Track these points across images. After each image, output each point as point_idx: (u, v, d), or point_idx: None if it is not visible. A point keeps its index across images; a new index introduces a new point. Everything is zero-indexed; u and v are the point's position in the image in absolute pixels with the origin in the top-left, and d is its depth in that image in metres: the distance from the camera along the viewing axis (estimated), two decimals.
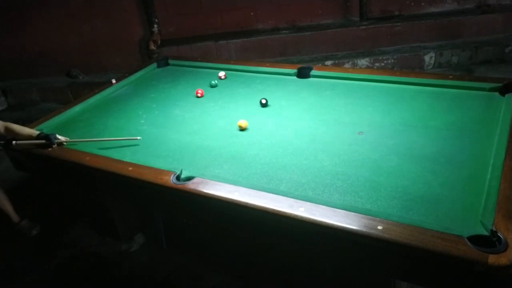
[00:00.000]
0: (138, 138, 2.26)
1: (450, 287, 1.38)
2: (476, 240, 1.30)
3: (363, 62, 4.62)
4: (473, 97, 2.28)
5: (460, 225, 1.40)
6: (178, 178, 1.84)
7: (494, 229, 1.33)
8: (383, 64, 4.59)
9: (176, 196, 1.83)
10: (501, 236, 1.29)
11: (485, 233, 1.34)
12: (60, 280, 2.59)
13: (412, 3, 4.73)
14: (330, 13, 4.84)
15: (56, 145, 2.26)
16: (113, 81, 2.95)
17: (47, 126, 2.56)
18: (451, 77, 2.48)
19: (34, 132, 2.36)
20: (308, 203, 1.57)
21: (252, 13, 4.90)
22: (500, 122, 1.96)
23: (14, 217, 3.06)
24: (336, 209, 1.53)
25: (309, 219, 1.50)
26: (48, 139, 2.25)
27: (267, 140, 2.14)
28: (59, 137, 2.30)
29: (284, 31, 4.88)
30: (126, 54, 5.02)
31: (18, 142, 2.32)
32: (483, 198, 1.51)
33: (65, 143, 2.30)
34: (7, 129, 2.40)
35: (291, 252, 2.34)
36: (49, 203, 3.32)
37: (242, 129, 2.26)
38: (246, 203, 1.63)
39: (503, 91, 2.25)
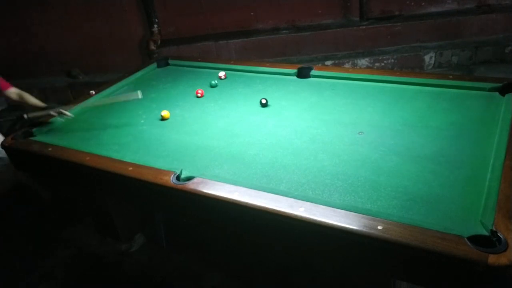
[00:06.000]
0: (139, 94, 2.50)
1: (450, 287, 1.38)
2: (476, 240, 1.30)
3: (363, 62, 4.62)
4: (473, 97, 2.28)
5: (460, 225, 1.40)
6: (178, 178, 1.84)
7: (494, 229, 1.33)
8: (383, 64, 4.59)
9: (176, 196, 1.83)
10: (501, 236, 1.29)
11: (485, 233, 1.34)
12: (60, 280, 2.59)
13: (412, 3, 4.73)
14: (330, 13, 4.84)
15: (59, 116, 2.55)
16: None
17: (47, 126, 2.56)
18: (451, 77, 2.48)
19: (42, 104, 2.64)
20: (308, 203, 1.57)
21: (252, 13, 4.89)
22: (500, 122, 1.96)
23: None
24: (336, 209, 1.53)
25: (309, 219, 1.50)
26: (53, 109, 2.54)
27: (267, 140, 2.14)
28: (65, 112, 2.55)
29: (284, 31, 4.87)
30: (126, 54, 5.01)
31: (30, 115, 2.55)
32: (483, 198, 1.51)
33: (68, 116, 2.56)
34: (19, 95, 2.69)
35: (291, 252, 2.34)
36: (49, 203, 3.32)
37: (164, 118, 2.47)
38: (246, 203, 1.63)
39: (503, 91, 2.25)
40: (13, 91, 2.70)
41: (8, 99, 2.74)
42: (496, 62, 4.45)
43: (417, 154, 1.85)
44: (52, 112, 2.52)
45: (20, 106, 2.75)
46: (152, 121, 2.52)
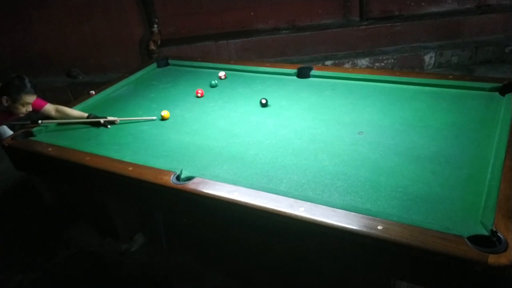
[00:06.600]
0: (154, 118, 2.50)
1: (450, 287, 1.38)
2: (476, 240, 1.30)
3: (363, 62, 4.62)
4: (473, 97, 2.28)
5: (460, 225, 1.40)
6: (178, 178, 1.84)
7: (494, 229, 1.33)
8: (383, 64, 4.59)
9: (176, 196, 1.83)
10: (501, 236, 1.29)
11: (485, 233, 1.34)
12: (60, 280, 2.59)
13: (412, 3, 4.73)
14: (330, 13, 4.84)
15: (108, 126, 2.50)
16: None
17: (48, 126, 2.56)
18: (451, 77, 2.49)
19: (83, 114, 2.59)
20: (308, 203, 1.57)
21: (252, 13, 4.89)
22: (500, 122, 1.96)
23: None
24: (336, 209, 1.53)
25: (309, 219, 1.50)
26: (98, 119, 2.51)
27: (267, 140, 2.14)
28: (109, 118, 2.52)
29: (284, 31, 4.87)
30: (126, 54, 5.01)
31: (45, 121, 2.55)
32: (483, 198, 1.51)
33: (117, 122, 2.52)
34: (58, 111, 2.61)
35: (291, 252, 2.34)
36: (50, 203, 3.32)
37: (164, 118, 2.49)
38: (246, 203, 1.63)
39: (503, 91, 2.25)
40: (50, 108, 2.61)
41: (48, 116, 2.61)
42: (496, 62, 4.45)
43: (417, 154, 1.85)
44: (101, 121, 2.48)
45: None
46: (152, 121, 2.52)
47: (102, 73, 5.09)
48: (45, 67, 5.17)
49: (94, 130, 2.50)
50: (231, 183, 1.76)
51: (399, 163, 1.81)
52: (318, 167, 1.85)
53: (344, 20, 4.85)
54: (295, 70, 2.90)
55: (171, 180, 1.82)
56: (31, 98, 2.47)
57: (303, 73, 2.86)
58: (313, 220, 1.49)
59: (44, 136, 2.46)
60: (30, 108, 2.51)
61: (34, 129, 2.51)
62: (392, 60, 4.57)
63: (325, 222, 1.48)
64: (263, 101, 2.50)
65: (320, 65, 4.48)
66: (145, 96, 2.90)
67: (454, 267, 1.30)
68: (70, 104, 2.80)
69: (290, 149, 2.03)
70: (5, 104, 2.42)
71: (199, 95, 2.76)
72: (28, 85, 2.44)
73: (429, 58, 4.53)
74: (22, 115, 2.53)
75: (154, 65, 3.44)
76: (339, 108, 2.38)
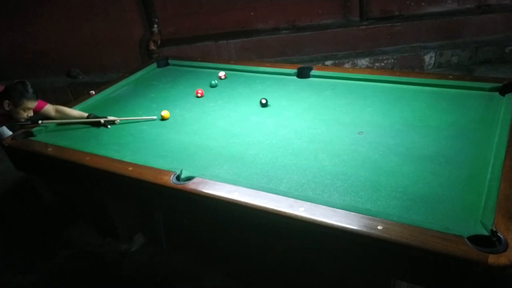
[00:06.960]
0: (154, 118, 2.51)
1: (450, 287, 1.38)
2: (476, 240, 1.30)
3: (363, 62, 4.62)
4: (473, 97, 2.28)
5: (460, 225, 1.40)
6: (178, 178, 1.84)
7: (494, 229, 1.33)
8: (383, 64, 4.59)
9: (176, 196, 1.83)
10: (501, 236, 1.29)
11: (485, 233, 1.34)
12: (60, 280, 2.59)
13: (412, 3, 4.73)
14: (330, 13, 4.84)
15: (108, 126, 2.51)
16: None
17: (47, 126, 2.56)
18: (451, 77, 2.49)
19: (83, 114, 2.60)
20: (308, 203, 1.57)
21: (252, 13, 4.90)
22: (500, 122, 1.96)
23: None
24: (336, 209, 1.53)
25: (309, 219, 1.50)
26: (98, 119, 2.52)
27: (267, 140, 2.14)
28: (109, 117, 2.53)
29: (284, 31, 4.88)
30: (126, 54, 5.01)
31: (45, 121, 2.56)
32: (483, 198, 1.51)
33: (117, 122, 2.53)
34: (57, 111, 2.62)
35: (291, 252, 2.34)
36: (49, 202, 3.32)
37: (164, 118, 2.50)
38: (246, 203, 1.63)
39: (503, 91, 2.25)
40: (50, 109, 2.60)
41: (47, 116, 2.60)
42: (496, 62, 4.45)
43: (417, 154, 1.85)
44: (102, 121, 2.49)
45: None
46: (152, 121, 2.52)
47: (102, 73, 5.10)
48: (45, 67, 5.17)
49: (94, 130, 2.50)
50: (231, 183, 1.76)
51: (399, 163, 1.81)
52: (318, 167, 1.85)
53: (344, 20, 4.85)
54: (295, 70, 2.89)
55: (171, 180, 1.82)
56: (33, 104, 2.49)
57: (303, 73, 2.86)
58: (313, 220, 1.49)
59: (44, 136, 2.46)
60: (31, 113, 2.53)
61: (34, 129, 2.51)
62: (392, 60, 4.57)
63: (325, 222, 1.48)
64: (263, 101, 2.50)
65: (320, 65, 4.48)
66: (145, 96, 2.90)
67: (454, 267, 1.30)
68: (70, 104, 2.80)
69: (290, 149, 2.03)
70: (7, 109, 2.44)
71: (199, 95, 2.76)
72: (30, 90, 2.46)
73: (429, 58, 4.53)
74: (22, 120, 2.54)
75: (154, 65, 3.44)
76: (339, 108, 2.38)
